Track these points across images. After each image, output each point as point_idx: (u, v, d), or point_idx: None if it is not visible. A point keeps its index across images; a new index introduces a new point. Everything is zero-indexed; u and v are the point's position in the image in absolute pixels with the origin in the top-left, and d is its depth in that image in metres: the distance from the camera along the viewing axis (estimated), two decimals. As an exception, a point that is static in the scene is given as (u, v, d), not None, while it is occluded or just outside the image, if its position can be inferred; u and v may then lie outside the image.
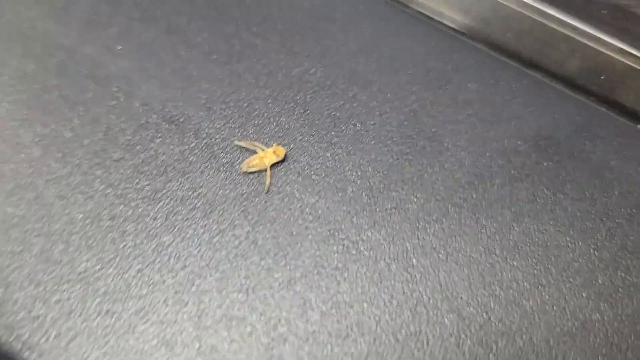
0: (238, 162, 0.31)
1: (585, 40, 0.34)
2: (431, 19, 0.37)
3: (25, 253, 0.28)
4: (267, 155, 0.30)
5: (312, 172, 0.31)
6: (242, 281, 0.28)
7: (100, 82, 0.33)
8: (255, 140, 0.31)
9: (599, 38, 0.34)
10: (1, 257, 0.28)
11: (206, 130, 0.32)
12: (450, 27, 0.36)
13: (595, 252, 0.29)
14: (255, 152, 0.31)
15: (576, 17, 0.34)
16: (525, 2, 0.34)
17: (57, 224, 0.29)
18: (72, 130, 0.31)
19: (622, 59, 0.33)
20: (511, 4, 0.35)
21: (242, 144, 0.31)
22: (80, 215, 0.29)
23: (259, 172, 0.30)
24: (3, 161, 0.30)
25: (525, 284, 0.28)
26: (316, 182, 0.30)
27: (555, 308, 0.27)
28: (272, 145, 0.31)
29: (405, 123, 0.32)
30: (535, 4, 0.34)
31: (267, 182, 0.30)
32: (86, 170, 0.30)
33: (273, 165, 0.30)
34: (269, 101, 0.33)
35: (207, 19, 0.36)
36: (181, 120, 0.32)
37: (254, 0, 0.37)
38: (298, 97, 0.33)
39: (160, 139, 0.31)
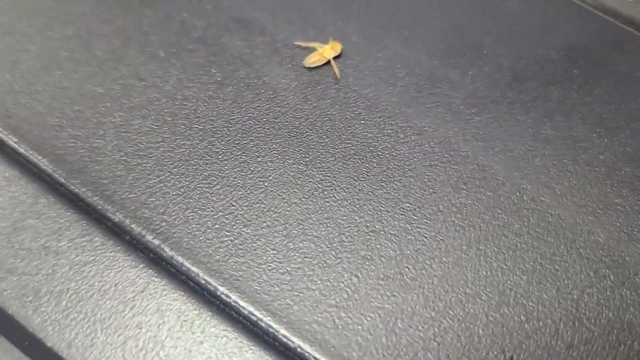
0: (299, 57, 0.34)
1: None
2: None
3: (109, 124, 0.31)
4: (326, 51, 0.33)
5: (365, 68, 0.34)
6: (299, 160, 0.31)
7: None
8: (312, 42, 0.34)
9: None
10: (83, 127, 0.31)
11: (271, 30, 0.35)
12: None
13: (619, 148, 0.32)
14: (314, 49, 0.34)
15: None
16: None
17: (137, 99, 0.32)
18: (149, 25, 0.35)
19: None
20: None
21: (301, 43, 0.34)
22: (157, 95, 0.32)
23: (320, 67, 0.34)
24: (84, 48, 0.34)
25: (555, 170, 0.31)
26: (369, 76, 0.34)
27: (580, 193, 0.31)
28: (328, 42, 0.34)
29: (449, 32, 0.36)
30: None
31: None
32: (162, 58, 0.34)
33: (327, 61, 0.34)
34: (329, 6, 0.36)
35: None
36: (248, 20, 0.35)
37: None
38: (354, 5, 0.36)
39: (229, 36, 0.35)
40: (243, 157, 0.31)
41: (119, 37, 0.34)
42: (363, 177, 0.30)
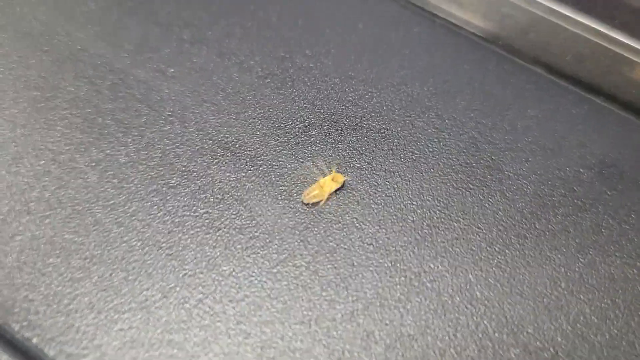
0: (296, 190, 0.30)
1: (646, 64, 0.33)
2: (488, 41, 0.36)
3: (85, 280, 0.28)
4: (327, 184, 0.30)
5: (371, 201, 0.30)
6: (304, 312, 0.27)
7: (154, 106, 0.33)
8: (311, 171, 0.31)
9: (662, 62, 0.33)
10: (62, 284, 0.28)
11: (262, 157, 0.31)
12: (507, 50, 0.36)
13: (664, 285, 0.28)
14: (313, 181, 0.30)
15: (638, 39, 0.33)
16: (586, 25, 0.34)
17: (116, 251, 0.29)
18: (127, 155, 0.31)
19: (686, 84, 0.33)
20: (571, 27, 0.34)
21: (299, 175, 0.31)
22: (139, 243, 0.29)
23: (320, 202, 0.30)
24: (60, 186, 0.30)
25: (593, 317, 0.27)
26: (376, 211, 0.30)
27: (624, 343, 0.27)
28: (330, 172, 0.30)
29: (465, 150, 0.32)
30: (597, 26, 0.34)
31: (322, 203, 0.30)
32: (143, 196, 0.30)
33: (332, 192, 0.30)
34: (324, 127, 0.32)
35: (260, 40, 0.35)
36: (237, 146, 0.32)
37: (307, 22, 0.36)
38: (354, 123, 0.33)
39: (216, 166, 0.31)
40: (239, 319, 0.27)
41: (95, 170, 0.31)
42: (375, 340, 0.27)
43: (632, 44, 0.33)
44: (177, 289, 0.28)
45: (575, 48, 0.34)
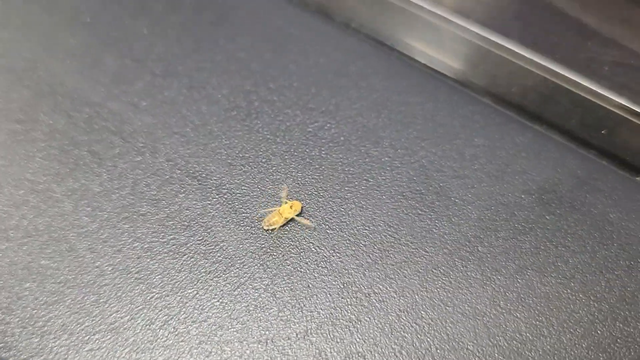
0: (258, 217, 0.33)
1: (586, 95, 0.36)
2: (440, 73, 0.38)
3: (59, 304, 0.30)
4: (285, 211, 0.32)
5: (327, 227, 0.32)
6: (261, 332, 0.29)
7: (127, 137, 0.35)
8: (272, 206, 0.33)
9: (600, 93, 0.35)
10: (37, 307, 0.30)
11: (227, 186, 0.33)
12: (458, 82, 0.38)
13: (595, 304, 0.30)
14: (272, 209, 0.33)
15: (578, 72, 0.36)
16: (529, 58, 0.36)
17: (89, 275, 0.31)
18: (101, 185, 0.33)
19: (622, 114, 0.35)
20: (516, 60, 0.36)
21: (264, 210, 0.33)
22: (110, 268, 0.31)
23: (279, 227, 0.32)
24: (37, 215, 0.32)
25: (528, 334, 0.29)
26: (331, 236, 0.32)
27: (556, 358, 0.29)
28: (288, 200, 0.32)
29: (415, 178, 0.34)
30: (539, 60, 0.36)
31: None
32: (115, 224, 0.32)
33: (290, 219, 0.32)
34: (285, 157, 0.35)
35: (227, 73, 0.38)
36: (203, 175, 0.34)
37: (273, 55, 0.39)
38: (313, 153, 0.35)
39: (184, 194, 0.33)
40: (201, 338, 0.29)
41: (71, 199, 0.33)
42: (327, 357, 0.29)
43: (571, 77, 0.35)
44: (145, 311, 0.30)
45: (520, 80, 0.37)
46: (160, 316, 0.30)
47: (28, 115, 0.36)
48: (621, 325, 0.30)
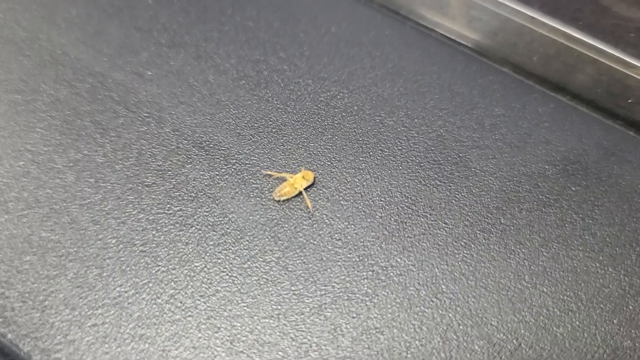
0: (268, 187, 0.31)
1: (611, 63, 0.34)
2: (457, 42, 0.37)
3: (60, 277, 0.28)
4: (297, 181, 0.30)
5: (341, 198, 0.31)
6: (273, 307, 0.28)
7: (131, 108, 0.34)
8: (283, 172, 0.31)
9: (625, 61, 0.34)
10: (37, 281, 0.28)
11: (236, 156, 0.32)
12: (476, 51, 0.36)
13: (626, 278, 0.29)
14: (284, 179, 0.31)
15: (602, 40, 0.34)
16: (551, 26, 0.35)
17: (92, 248, 0.29)
18: (105, 155, 0.32)
19: (649, 82, 0.33)
20: (538, 28, 0.35)
21: (270, 173, 0.31)
22: (114, 240, 0.29)
23: (292, 198, 0.31)
24: (38, 186, 0.31)
25: (555, 310, 0.28)
26: (345, 207, 0.31)
27: (585, 335, 0.27)
28: (300, 171, 0.31)
29: (433, 148, 0.33)
30: (562, 28, 0.34)
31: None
32: (119, 195, 0.31)
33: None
34: (297, 127, 0.33)
35: (236, 43, 0.36)
36: (211, 145, 0.32)
37: (282, 24, 0.37)
38: (326, 123, 0.33)
39: (191, 165, 0.32)
40: (209, 313, 0.28)
41: (73, 170, 0.31)
42: (342, 333, 0.27)
43: (595, 44, 0.34)
44: (150, 285, 0.28)
45: (542, 49, 0.35)
46: (167, 290, 0.28)
47: (29, 85, 0.34)
48: (653, 300, 0.28)
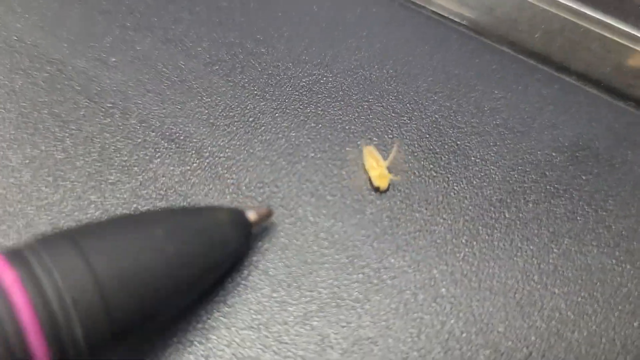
0: (245, 182, 0.28)
1: (620, 39, 0.31)
2: (450, 20, 0.34)
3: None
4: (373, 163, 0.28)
5: (327, 192, 0.28)
6: (252, 316, 0.25)
7: (94, 97, 0.30)
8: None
9: (635, 36, 0.31)
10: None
11: (209, 149, 0.29)
12: (471, 29, 0.33)
13: (645, 275, 0.26)
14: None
15: (610, 14, 0.31)
16: (554, 0, 0.32)
17: (48, 255, 0.26)
18: (64, 151, 0.29)
19: (663, 59, 0.31)
20: (539, 2, 0.32)
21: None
22: (73, 246, 0.26)
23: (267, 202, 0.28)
24: (-12, 186, 0.28)
25: (569, 313, 0.25)
26: (331, 203, 0.28)
27: (604, 340, 0.25)
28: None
29: (427, 135, 0.30)
30: (566, 1, 0.32)
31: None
32: (80, 194, 0.28)
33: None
34: (276, 114, 0.30)
35: (208, 25, 0.33)
36: (181, 138, 0.29)
37: (258, 4, 0.34)
38: (308, 110, 0.30)
39: (159, 159, 0.29)
40: (181, 326, 0.25)
41: (29, 168, 0.28)
42: (331, 344, 0.24)
43: (603, 19, 0.31)
44: (114, 294, 0.25)
45: (544, 25, 0.32)
46: (132, 300, 0.25)
47: (-20, 75, 0.31)
48: (676, 299, 0.26)
